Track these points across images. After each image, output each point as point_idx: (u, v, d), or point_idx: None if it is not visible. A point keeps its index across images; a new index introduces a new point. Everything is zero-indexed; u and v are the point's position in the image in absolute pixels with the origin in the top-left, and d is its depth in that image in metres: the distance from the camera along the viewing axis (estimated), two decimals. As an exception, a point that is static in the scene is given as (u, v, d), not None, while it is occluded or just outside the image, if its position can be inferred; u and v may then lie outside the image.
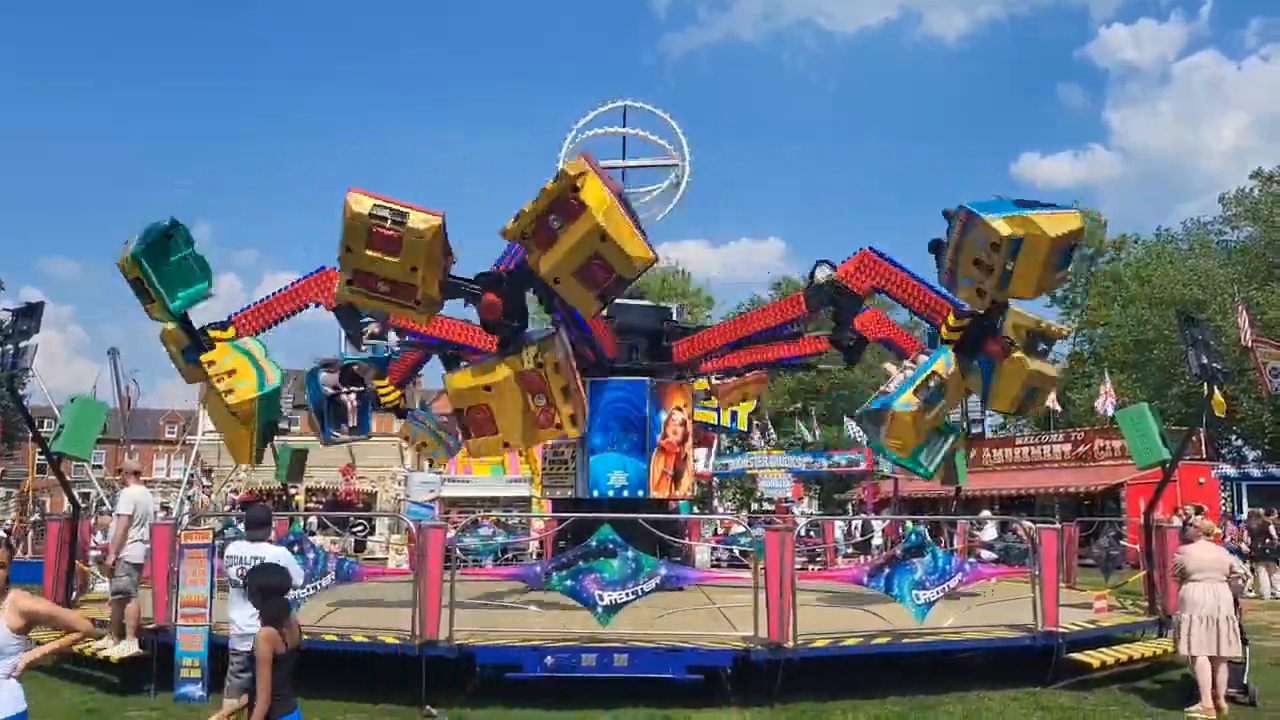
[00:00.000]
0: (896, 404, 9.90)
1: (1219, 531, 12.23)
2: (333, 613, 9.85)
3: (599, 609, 8.75)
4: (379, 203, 8.20)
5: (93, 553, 12.84)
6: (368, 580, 11.07)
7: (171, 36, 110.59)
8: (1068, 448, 33.13)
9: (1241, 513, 24.49)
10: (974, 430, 18.34)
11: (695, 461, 17.71)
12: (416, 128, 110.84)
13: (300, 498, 29.90)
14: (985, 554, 15.90)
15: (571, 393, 9.22)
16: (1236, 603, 8.91)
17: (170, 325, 10.76)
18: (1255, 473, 28.48)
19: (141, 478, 10.38)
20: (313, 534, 15.78)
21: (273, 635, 4.93)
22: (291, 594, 7.08)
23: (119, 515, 9.54)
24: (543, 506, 21.30)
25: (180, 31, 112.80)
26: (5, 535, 23.38)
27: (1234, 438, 40.81)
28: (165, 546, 9.18)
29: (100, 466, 41.91)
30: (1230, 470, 28.21)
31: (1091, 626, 10.27)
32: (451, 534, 10.16)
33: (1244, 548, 18.59)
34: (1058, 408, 36.33)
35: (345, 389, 13.86)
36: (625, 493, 13.06)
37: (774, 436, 40.65)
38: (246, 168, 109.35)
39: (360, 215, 8.15)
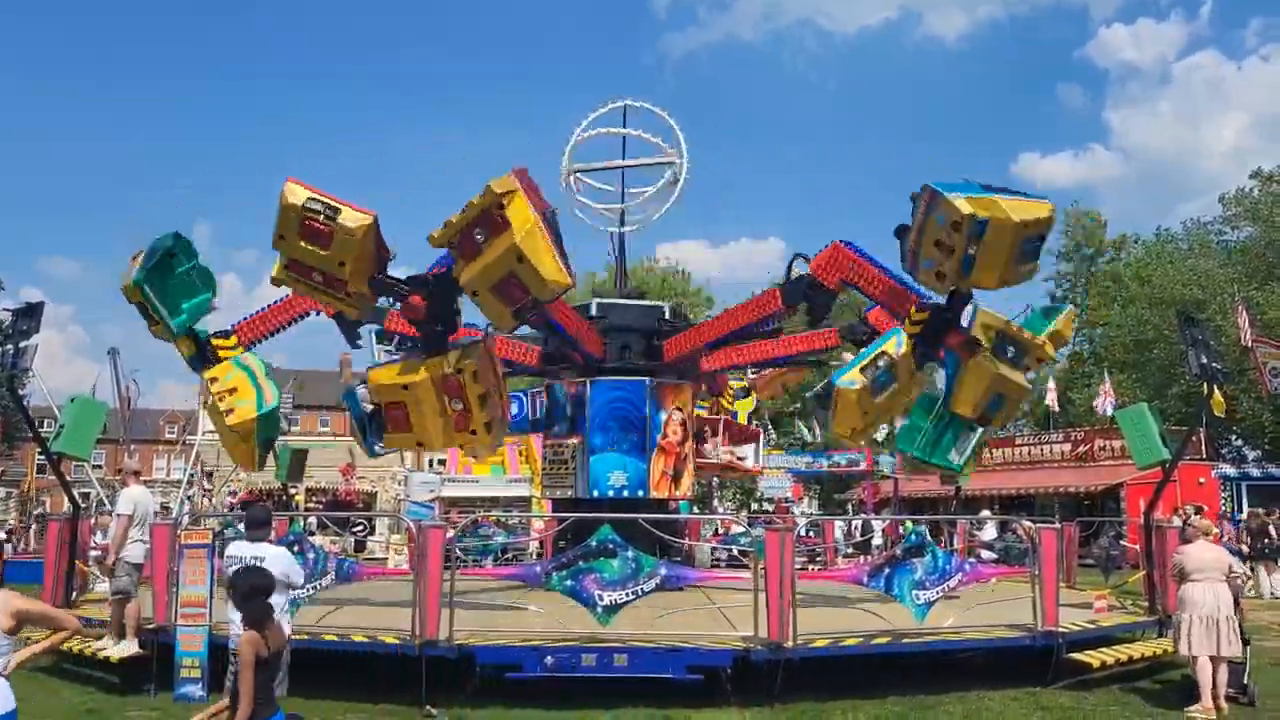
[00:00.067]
0: (840, 380, 9.65)
1: (1217, 531, 12.20)
2: (333, 613, 9.84)
3: (599, 609, 8.75)
4: (314, 196, 8.33)
5: (93, 553, 12.83)
6: (368, 580, 11.08)
7: (171, 36, 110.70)
8: (1067, 448, 33.14)
9: (1241, 512, 24.49)
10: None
11: (744, 459, 17.63)
12: (416, 128, 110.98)
13: (300, 498, 29.89)
14: (985, 554, 15.91)
15: (489, 401, 9.28)
16: (1237, 603, 8.92)
17: None
18: (1255, 473, 28.50)
19: (141, 478, 10.38)
20: (312, 534, 15.77)
21: (256, 638, 4.92)
22: (291, 594, 7.11)
23: (119, 515, 9.54)
24: (543, 506, 21.30)
25: (180, 31, 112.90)
26: (6, 536, 23.42)
27: (1234, 438, 40.81)
28: (165, 546, 9.18)
29: (100, 466, 41.93)
30: (1230, 470, 28.23)
31: (1091, 626, 10.28)
32: (451, 534, 10.15)
33: (1244, 549, 18.60)
34: (1056, 408, 36.35)
35: None
36: (625, 493, 13.06)
37: (774, 436, 40.64)
38: (246, 168, 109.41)
39: (294, 206, 8.29)
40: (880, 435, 32.12)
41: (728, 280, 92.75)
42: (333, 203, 8.35)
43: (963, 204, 8.58)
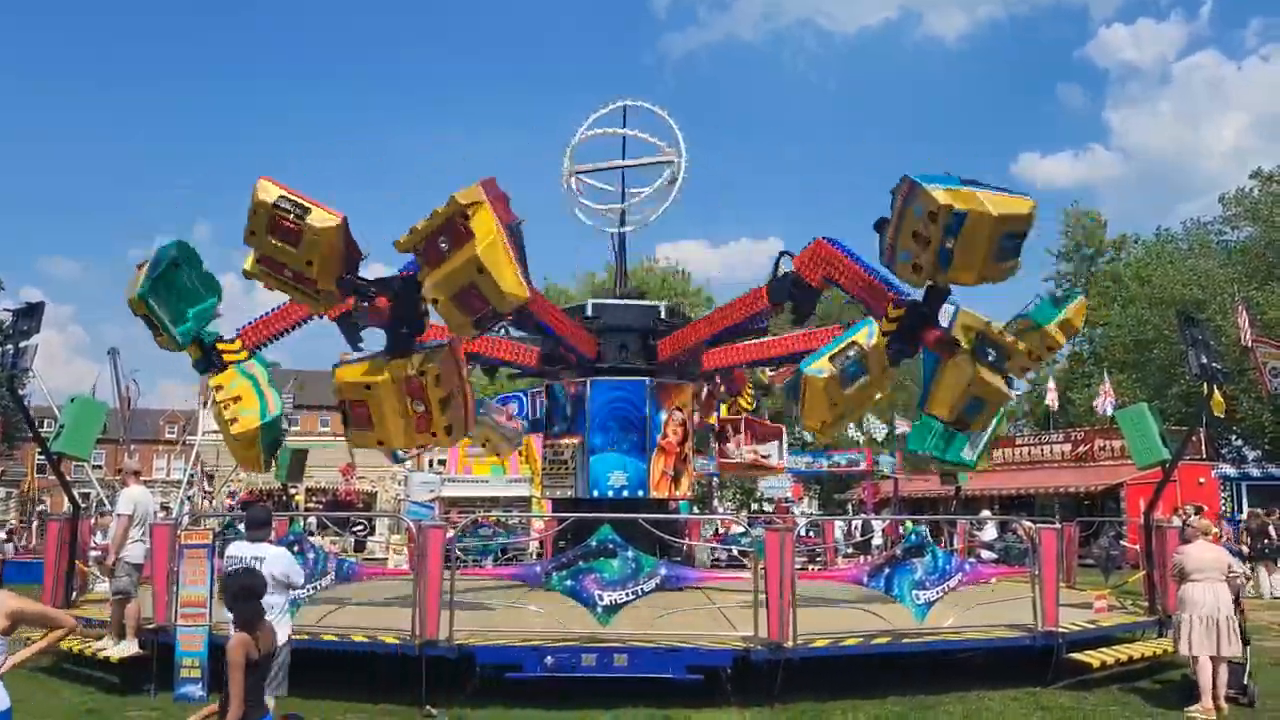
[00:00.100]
0: (808, 368, 9.44)
1: (1217, 531, 12.20)
2: (333, 613, 9.84)
3: (599, 609, 8.75)
4: (285, 194, 8.44)
5: (93, 553, 12.83)
6: (368, 580, 11.08)
7: (171, 36, 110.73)
8: (1067, 448, 33.14)
9: (1241, 513, 24.49)
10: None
11: (767, 457, 17.52)
12: (416, 128, 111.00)
13: (300, 498, 29.90)
14: (985, 554, 15.92)
15: (451, 406, 9.36)
16: (1238, 602, 8.92)
17: None
18: (1255, 473, 28.49)
19: (141, 478, 10.38)
20: (311, 534, 15.78)
21: (246, 640, 4.92)
22: (292, 594, 7.11)
23: (119, 515, 9.54)
24: (543, 506, 21.30)
25: (180, 31, 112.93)
26: (8, 535, 23.42)
27: (1234, 438, 40.79)
28: (165, 546, 9.18)
29: (100, 466, 41.92)
30: (1230, 470, 28.22)
31: (1091, 626, 10.27)
32: (451, 534, 10.16)
33: (1244, 549, 18.60)
34: (1056, 407, 36.34)
35: None
36: (625, 493, 13.06)
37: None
38: (246, 168, 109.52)
39: (265, 204, 8.41)
40: (880, 435, 32.33)
41: (728, 280, 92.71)
42: (303, 202, 8.45)
43: (940, 194, 8.42)
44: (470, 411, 10.03)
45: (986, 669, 9.67)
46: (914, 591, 9.30)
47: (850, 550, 22.20)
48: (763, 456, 17.30)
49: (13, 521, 30.68)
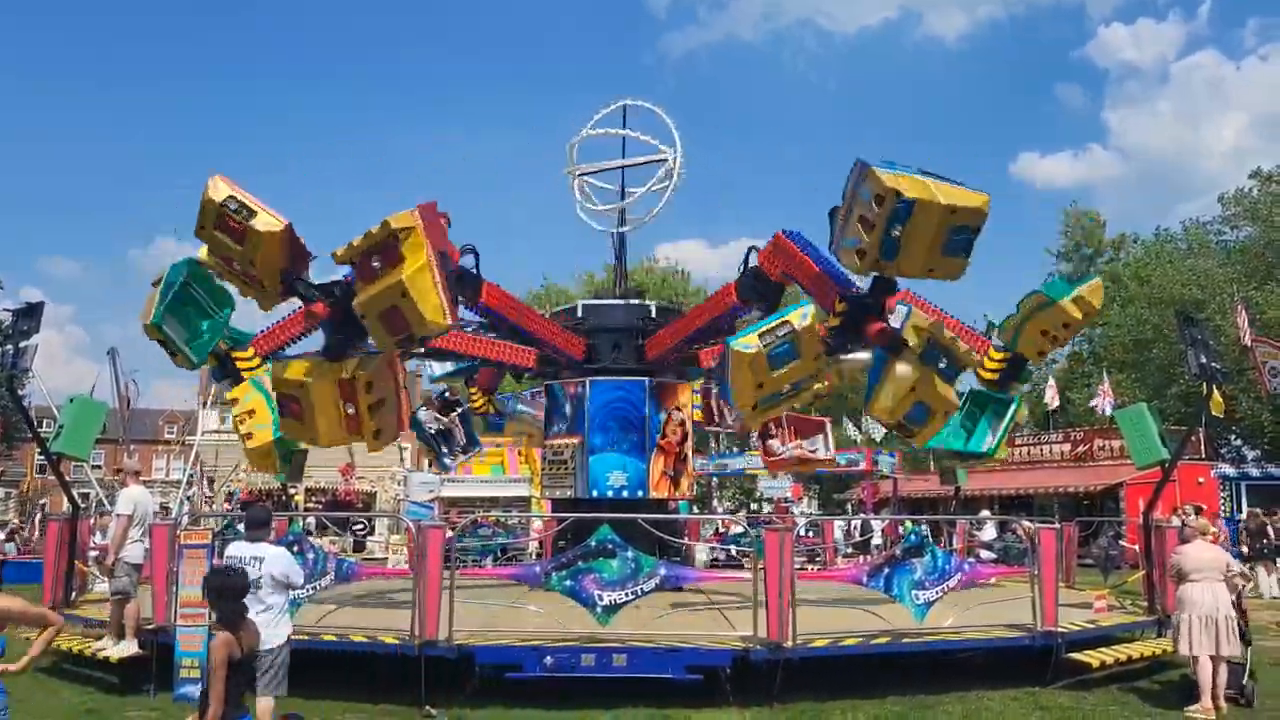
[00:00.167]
0: (735, 342, 9.18)
1: (1215, 531, 12.19)
2: (332, 613, 9.85)
3: (598, 609, 8.76)
4: (234, 195, 8.68)
5: (92, 553, 12.84)
6: (367, 580, 11.08)
7: (171, 36, 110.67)
8: (1067, 447, 33.18)
9: (1240, 512, 24.49)
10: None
11: (815, 451, 17.27)
12: (416, 128, 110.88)
13: (300, 498, 29.92)
14: (984, 554, 15.94)
15: (381, 411, 9.61)
16: (1240, 603, 8.93)
17: None
18: (1254, 472, 28.47)
19: (141, 478, 10.39)
20: (310, 534, 15.81)
21: (229, 640, 4.91)
22: (291, 594, 7.11)
23: (118, 515, 9.54)
24: (542, 506, 21.33)
25: (180, 31, 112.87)
26: (9, 535, 23.42)
27: (1233, 437, 40.83)
28: (164, 546, 9.18)
29: (99, 466, 41.92)
30: (1229, 470, 28.22)
31: (1091, 626, 10.28)
32: (450, 534, 10.17)
33: (1244, 549, 18.61)
34: (1055, 404, 36.35)
35: (447, 416, 15.29)
36: (625, 493, 13.06)
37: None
38: (246, 168, 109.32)
39: (213, 202, 8.66)
40: (879, 435, 32.32)
41: (728, 280, 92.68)
42: (250, 205, 8.70)
43: (887, 177, 8.20)
44: (403, 418, 10.38)
45: (986, 669, 9.67)
46: (913, 591, 9.30)
47: (850, 550, 22.23)
48: (810, 451, 16.94)
49: (14, 521, 30.63)
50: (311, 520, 21.46)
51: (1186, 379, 29.83)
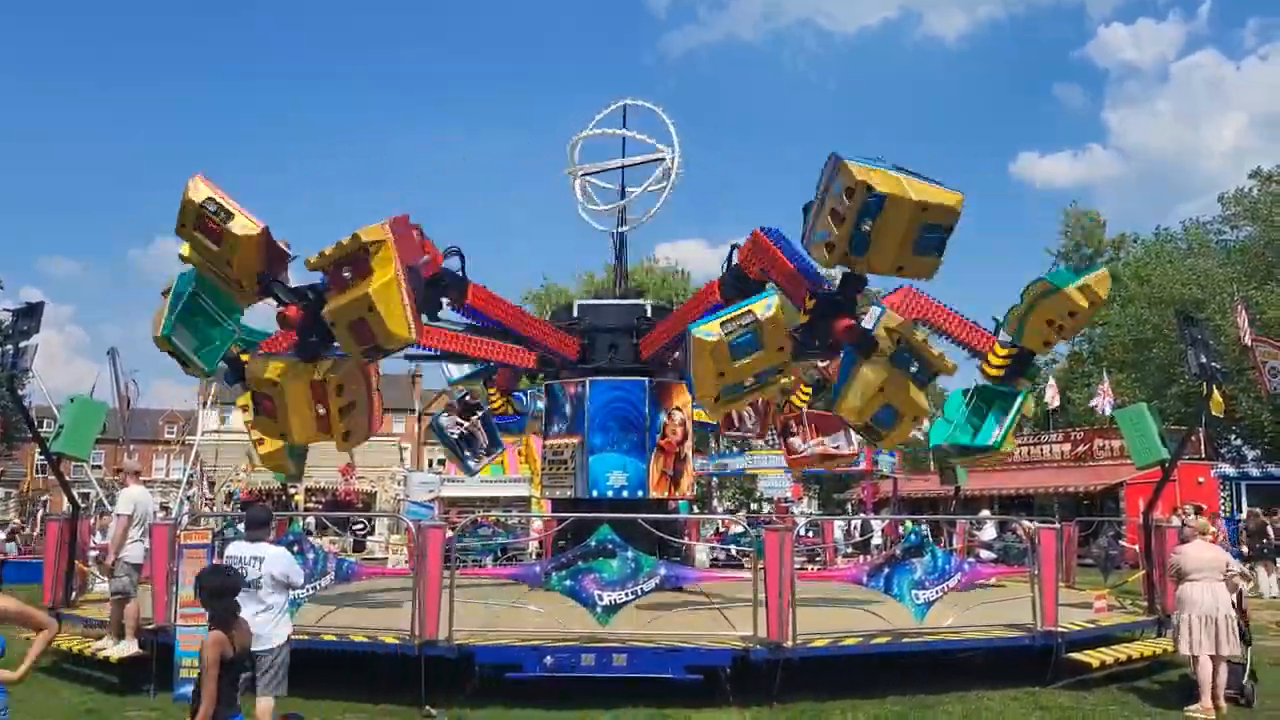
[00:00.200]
0: (697, 329, 9.10)
1: (1214, 531, 12.18)
2: (332, 613, 9.85)
3: (598, 609, 8.76)
4: (213, 196, 8.85)
5: (92, 553, 12.84)
6: (367, 580, 11.08)
7: (171, 36, 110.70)
8: (1067, 447, 33.18)
9: (1240, 512, 24.50)
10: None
11: (839, 447, 16.91)
12: (416, 128, 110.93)
13: (300, 498, 29.91)
14: (984, 554, 15.93)
15: (352, 414, 9.89)
16: (1241, 603, 8.92)
17: None
18: (1254, 472, 28.50)
19: (141, 478, 10.39)
20: (310, 533, 15.82)
21: (221, 639, 4.92)
22: (291, 594, 7.11)
23: (118, 515, 9.54)
24: (542, 506, 21.31)
25: (180, 31, 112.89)
26: (10, 534, 23.42)
27: (1233, 437, 40.84)
28: (164, 546, 9.18)
29: (99, 466, 41.91)
30: (1229, 470, 28.24)
31: (1091, 626, 10.27)
32: (449, 535, 10.18)
33: (1243, 549, 18.61)
34: (1056, 403, 36.35)
35: (468, 420, 15.54)
36: (625, 493, 13.06)
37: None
38: (246, 168, 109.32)
39: (193, 202, 8.87)
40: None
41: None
42: (228, 207, 8.87)
43: (857, 170, 8.12)
44: (374, 420, 10.66)
45: (986, 669, 9.67)
46: (913, 591, 9.30)
47: (850, 550, 22.23)
48: (833, 447, 16.85)
49: (16, 521, 30.62)
50: (311, 520, 21.45)
51: (1186, 379, 29.83)
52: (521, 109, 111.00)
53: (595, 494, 13.04)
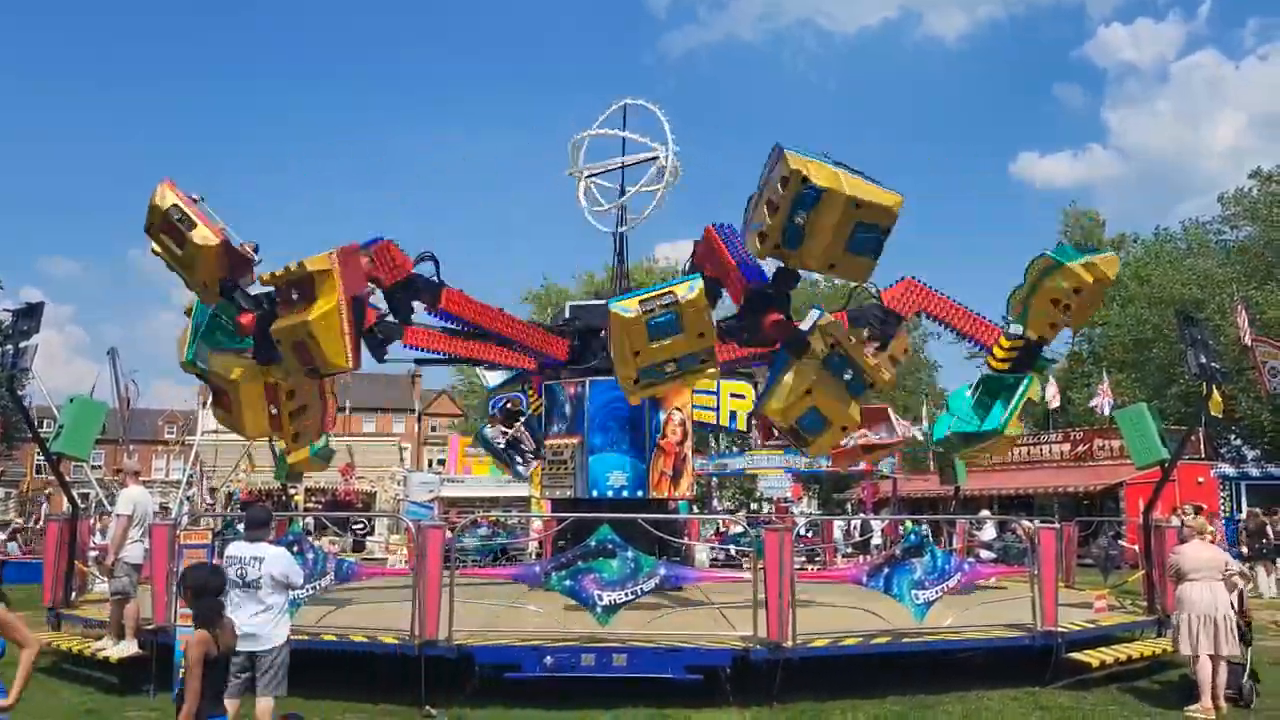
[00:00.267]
0: (615, 304, 8.95)
1: (1212, 530, 12.18)
2: (332, 613, 9.85)
3: (598, 609, 8.75)
4: (179, 205, 9.15)
5: (92, 553, 12.84)
6: (367, 580, 11.09)
7: (171, 36, 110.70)
8: (1066, 447, 33.18)
9: (1240, 512, 24.50)
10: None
11: (880, 436, 16.80)
12: (416, 128, 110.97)
13: (300, 498, 29.89)
14: (984, 554, 15.92)
15: (302, 417, 10.44)
16: (1242, 603, 8.92)
17: None
18: (1254, 472, 28.49)
19: (141, 478, 10.39)
20: (310, 533, 15.84)
21: (205, 638, 4.92)
22: (291, 594, 7.11)
23: (118, 515, 9.54)
24: (542, 506, 21.30)
25: (180, 31, 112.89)
26: (12, 534, 23.41)
27: (1233, 437, 40.83)
28: (164, 546, 9.19)
29: (99, 467, 41.91)
30: (1229, 470, 28.23)
31: (1090, 626, 10.27)
32: (449, 535, 10.19)
33: (1243, 550, 18.60)
34: (1056, 404, 36.35)
35: (512, 427, 15.90)
36: (624, 493, 13.05)
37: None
38: (246, 168, 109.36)
39: (158, 208, 9.18)
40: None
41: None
42: (191, 216, 9.16)
43: (796, 160, 8.00)
44: (325, 422, 11.27)
45: (986, 669, 9.67)
46: (913, 591, 9.30)
47: (849, 550, 22.23)
48: (876, 438, 16.66)
49: (17, 521, 30.59)
50: (311, 520, 21.44)
51: (1186, 379, 29.83)
52: (521, 109, 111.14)
53: (595, 494, 13.04)
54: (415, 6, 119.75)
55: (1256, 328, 27.12)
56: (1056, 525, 12.00)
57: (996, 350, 10.95)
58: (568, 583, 8.89)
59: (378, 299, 10.78)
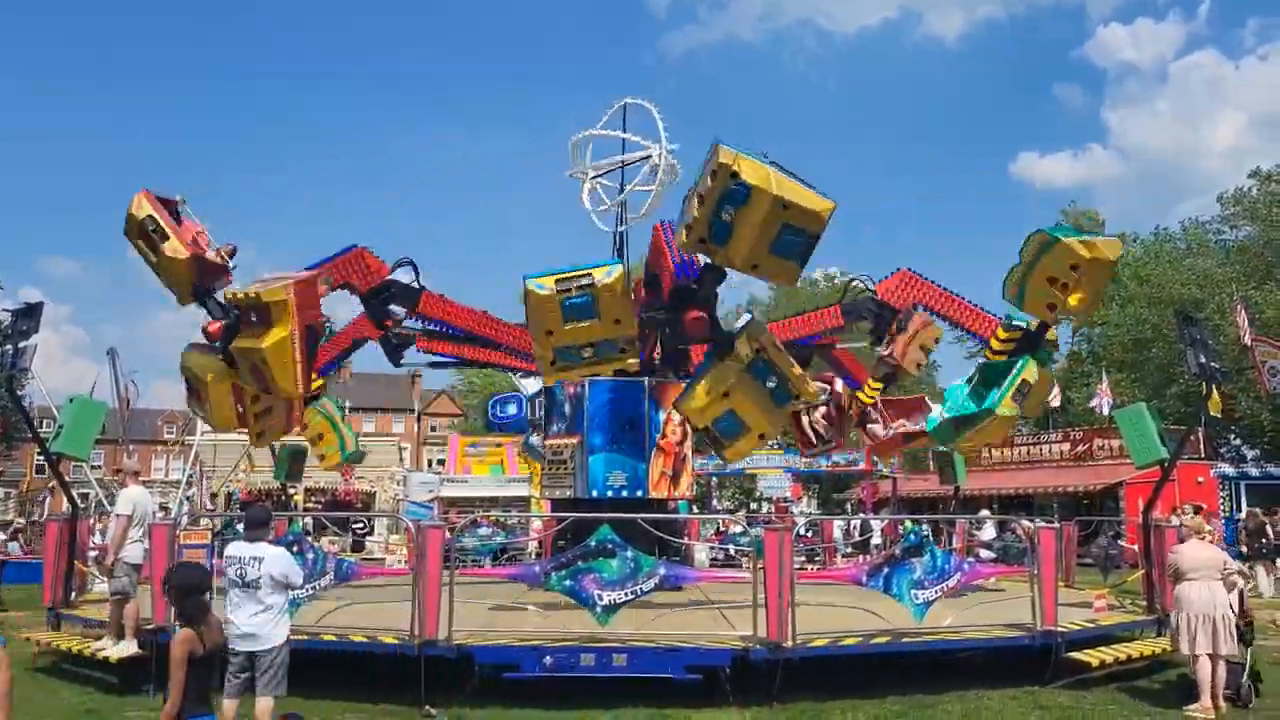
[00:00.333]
0: (530, 279, 8.81)
1: (1210, 530, 12.19)
2: (332, 613, 9.84)
3: (598, 609, 8.75)
4: (153, 215, 9.64)
5: (91, 553, 12.83)
6: (367, 580, 11.08)
7: (171, 36, 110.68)
8: (1066, 447, 33.20)
9: (1240, 512, 24.50)
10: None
11: (919, 425, 16.63)
12: (416, 128, 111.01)
13: (300, 498, 29.88)
14: (984, 553, 15.93)
15: (267, 417, 10.96)
16: (1243, 602, 8.91)
17: None
18: (1254, 472, 28.51)
19: (140, 478, 10.40)
20: (309, 533, 15.82)
21: (190, 637, 4.91)
22: (291, 594, 7.11)
23: (118, 515, 9.54)
24: (541, 506, 21.31)
25: (180, 31, 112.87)
26: (13, 534, 23.40)
27: (1232, 437, 40.83)
28: (164, 546, 9.19)
29: (99, 467, 41.88)
30: (1229, 469, 28.25)
31: (1090, 626, 10.27)
32: (449, 535, 10.19)
33: (1243, 549, 18.60)
34: (1056, 403, 36.34)
35: None
36: (624, 493, 13.05)
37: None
38: (246, 168, 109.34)
39: (134, 216, 9.63)
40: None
41: (726, 279, 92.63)
42: (165, 228, 9.62)
43: (727, 154, 7.91)
44: (290, 421, 11.90)
45: (985, 668, 9.67)
46: (913, 591, 9.30)
47: (849, 550, 22.24)
48: (915, 428, 16.56)
49: (18, 521, 30.60)
50: (310, 520, 21.43)
51: (1186, 379, 29.85)
52: (521, 109, 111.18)
53: (595, 494, 13.03)
54: (415, 6, 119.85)
55: (1256, 327, 27.13)
56: (1056, 525, 12.00)
57: (994, 341, 10.93)
58: (567, 582, 8.89)
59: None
